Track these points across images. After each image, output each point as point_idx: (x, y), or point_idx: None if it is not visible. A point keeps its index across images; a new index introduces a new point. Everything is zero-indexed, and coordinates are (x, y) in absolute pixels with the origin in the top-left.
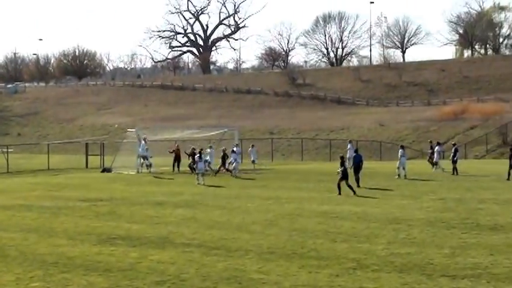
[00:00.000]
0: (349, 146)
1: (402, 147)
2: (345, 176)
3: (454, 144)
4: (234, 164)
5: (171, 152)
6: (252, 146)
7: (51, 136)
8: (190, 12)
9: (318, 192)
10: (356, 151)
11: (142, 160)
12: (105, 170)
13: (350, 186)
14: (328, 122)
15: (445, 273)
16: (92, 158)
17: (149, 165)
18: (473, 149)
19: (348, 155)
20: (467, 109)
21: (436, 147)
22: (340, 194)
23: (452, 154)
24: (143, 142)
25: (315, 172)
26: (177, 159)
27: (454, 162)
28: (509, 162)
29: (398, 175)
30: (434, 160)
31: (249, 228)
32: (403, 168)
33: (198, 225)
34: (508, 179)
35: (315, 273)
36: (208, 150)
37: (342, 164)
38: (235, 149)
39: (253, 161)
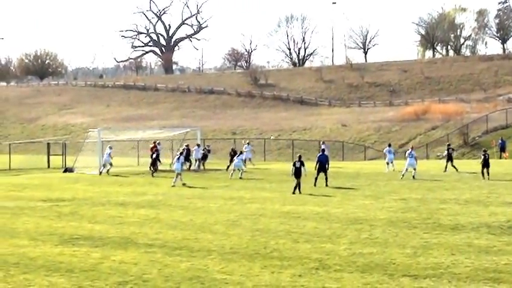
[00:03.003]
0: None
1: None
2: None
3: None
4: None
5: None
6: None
7: (12, 136)
8: (153, 12)
9: (281, 192)
10: (323, 151)
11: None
12: (67, 170)
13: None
14: (290, 122)
15: (407, 273)
16: (54, 158)
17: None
18: (435, 150)
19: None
20: (429, 110)
21: (386, 148)
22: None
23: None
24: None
25: (278, 172)
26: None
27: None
28: (482, 163)
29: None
30: (387, 160)
31: (212, 228)
32: (414, 169)
33: (160, 226)
34: (485, 178)
35: (278, 274)
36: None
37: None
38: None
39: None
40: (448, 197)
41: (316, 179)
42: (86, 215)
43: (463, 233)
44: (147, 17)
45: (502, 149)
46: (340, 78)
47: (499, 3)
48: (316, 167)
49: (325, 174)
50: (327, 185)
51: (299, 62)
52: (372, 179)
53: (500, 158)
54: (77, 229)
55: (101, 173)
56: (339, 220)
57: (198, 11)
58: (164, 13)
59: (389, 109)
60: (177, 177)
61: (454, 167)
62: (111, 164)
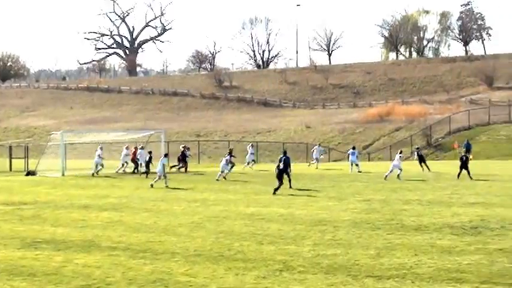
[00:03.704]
0: (250, 150)
1: (401, 152)
2: None
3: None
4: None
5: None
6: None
7: None
8: (116, 14)
9: (245, 194)
10: (285, 153)
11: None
12: (30, 173)
13: None
14: (254, 124)
15: (370, 273)
16: (16, 161)
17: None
18: (399, 151)
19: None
20: (393, 111)
21: (350, 151)
22: None
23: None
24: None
25: (242, 174)
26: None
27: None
28: (460, 164)
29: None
30: (350, 162)
31: (176, 230)
32: (399, 169)
33: (124, 228)
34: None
35: (242, 275)
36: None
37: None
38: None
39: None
40: (411, 198)
41: (287, 183)
42: (48, 218)
43: (426, 233)
44: (110, 19)
45: (468, 150)
46: (304, 80)
47: (462, 5)
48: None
49: (288, 176)
50: (290, 187)
51: (263, 64)
52: (336, 180)
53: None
54: (39, 232)
55: (93, 174)
56: (303, 222)
57: (162, 13)
58: (128, 15)
59: (353, 111)
60: (159, 178)
61: (427, 167)
62: (102, 165)
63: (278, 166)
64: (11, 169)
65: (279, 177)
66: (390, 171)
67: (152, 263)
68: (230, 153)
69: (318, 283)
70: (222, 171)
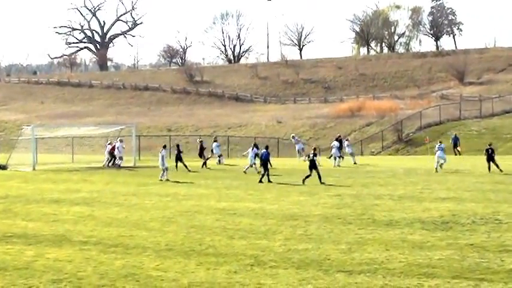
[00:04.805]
0: (294, 141)
1: (440, 142)
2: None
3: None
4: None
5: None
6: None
7: None
8: (87, 8)
9: (216, 189)
10: (266, 148)
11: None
12: (1, 167)
13: None
14: (226, 119)
15: (341, 268)
16: None
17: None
18: (370, 146)
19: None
20: (364, 106)
21: (335, 143)
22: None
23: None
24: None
25: (213, 169)
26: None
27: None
28: (486, 159)
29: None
30: (335, 155)
31: (147, 225)
32: (440, 161)
33: (95, 223)
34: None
35: (213, 270)
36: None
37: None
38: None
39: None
40: (382, 192)
41: (262, 175)
42: (19, 212)
43: (397, 228)
44: (81, 13)
45: (455, 145)
46: (275, 75)
47: (433, 0)
48: (260, 163)
49: (267, 170)
50: (263, 181)
51: (234, 59)
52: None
53: (455, 154)
54: (11, 227)
55: (120, 166)
56: (274, 216)
57: (132, 7)
58: (99, 9)
59: (324, 106)
60: (163, 171)
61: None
62: (121, 158)
63: (308, 156)
64: None
65: (311, 167)
66: (437, 163)
67: (123, 258)
68: (256, 146)
69: (289, 278)
70: (251, 165)
